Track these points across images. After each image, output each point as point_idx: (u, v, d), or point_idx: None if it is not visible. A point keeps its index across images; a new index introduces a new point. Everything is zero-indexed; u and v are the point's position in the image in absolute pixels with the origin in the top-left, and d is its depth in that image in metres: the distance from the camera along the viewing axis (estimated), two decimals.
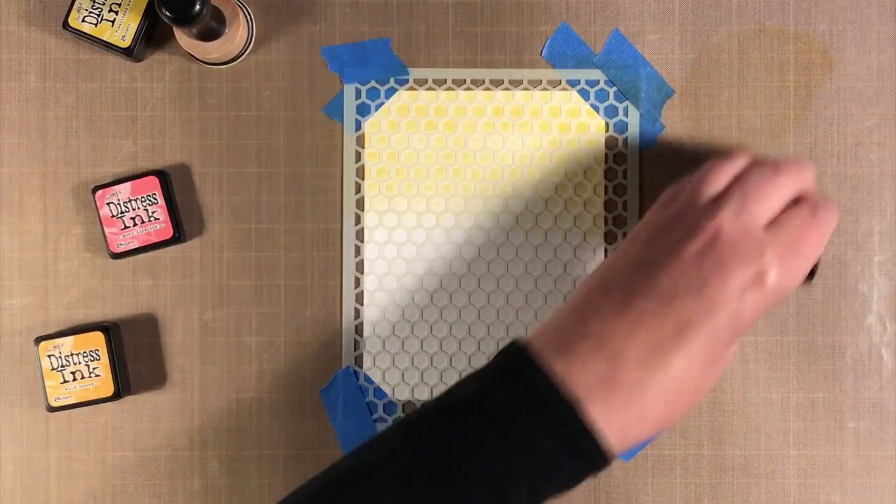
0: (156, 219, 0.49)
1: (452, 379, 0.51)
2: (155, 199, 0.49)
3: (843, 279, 0.51)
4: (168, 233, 0.49)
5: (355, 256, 0.51)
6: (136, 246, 0.49)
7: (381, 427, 0.50)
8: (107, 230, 0.49)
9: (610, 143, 0.51)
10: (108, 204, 0.49)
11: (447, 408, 0.39)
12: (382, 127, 0.51)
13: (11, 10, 0.51)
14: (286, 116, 0.51)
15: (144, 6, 0.49)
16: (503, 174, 0.51)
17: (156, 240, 0.49)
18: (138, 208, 0.49)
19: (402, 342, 0.51)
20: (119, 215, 0.49)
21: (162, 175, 0.49)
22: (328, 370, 0.51)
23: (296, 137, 0.51)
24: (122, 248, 0.49)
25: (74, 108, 0.51)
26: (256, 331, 0.51)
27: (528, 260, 0.51)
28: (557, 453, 0.37)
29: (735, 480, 0.51)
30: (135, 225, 0.49)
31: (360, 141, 0.51)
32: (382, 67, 0.51)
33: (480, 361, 0.51)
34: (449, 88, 0.51)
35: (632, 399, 0.38)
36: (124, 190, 0.49)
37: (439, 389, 0.51)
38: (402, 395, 0.51)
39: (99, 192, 0.49)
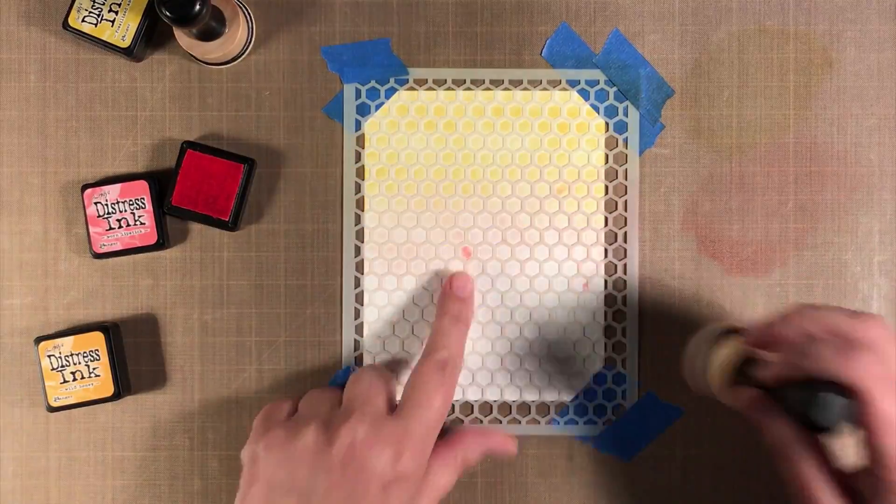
0: (141, 223, 0.49)
1: None
2: (143, 203, 0.49)
3: (843, 279, 0.51)
4: (152, 238, 0.49)
5: (355, 256, 0.51)
6: (118, 248, 0.49)
7: None
8: (91, 229, 0.49)
9: (610, 143, 0.51)
10: (95, 203, 0.49)
11: None
12: (382, 127, 0.51)
13: (11, 10, 0.51)
14: (286, 116, 0.51)
15: (144, 6, 0.49)
16: (503, 174, 0.51)
17: (139, 244, 0.49)
18: (125, 211, 0.49)
19: (402, 342, 0.51)
20: (105, 216, 0.49)
21: (153, 179, 0.49)
22: (328, 370, 0.51)
23: (296, 137, 0.51)
24: (104, 249, 0.49)
25: (74, 108, 0.51)
26: (256, 331, 0.51)
27: (525, 260, 0.51)
28: None
29: (735, 480, 0.51)
30: (120, 227, 0.49)
31: (360, 141, 0.51)
32: (382, 67, 0.51)
33: (477, 361, 0.51)
34: (449, 88, 0.51)
35: None
36: (113, 191, 0.49)
37: None
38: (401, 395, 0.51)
39: (88, 191, 0.49)
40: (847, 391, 0.37)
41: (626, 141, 0.51)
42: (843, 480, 0.39)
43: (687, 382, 0.46)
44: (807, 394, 0.37)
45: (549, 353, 0.51)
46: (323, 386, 0.50)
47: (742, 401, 0.42)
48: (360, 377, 0.46)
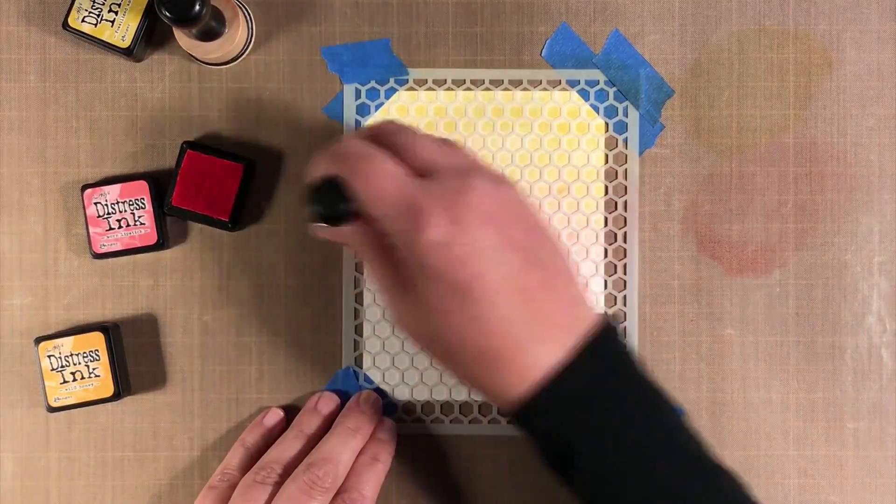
0: (141, 223, 0.49)
1: (451, 380, 0.51)
2: (143, 203, 0.49)
3: (843, 279, 0.51)
4: (152, 238, 0.49)
5: (355, 257, 0.51)
6: (118, 248, 0.49)
7: None
8: (91, 230, 0.49)
9: (610, 143, 0.51)
10: (95, 203, 0.49)
11: None
12: None
13: (11, 10, 0.51)
14: (286, 116, 0.51)
15: (144, 6, 0.49)
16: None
17: (139, 244, 0.49)
18: (125, 211, 0.49)
19: (402, 342, 0.51)
20: (105, 216, 0.49)
21: (153, 180, 0.49)
22: (328, 370, 0.51)
23: (296, 137, 0.51)
24: (104, 249, 0.49)
25: (74, 108, 0.51)
26: (256, 331, 0.51)
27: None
28: None
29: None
30: (120, 227, 0.49)
31: None
32: (382, 67, 0.51)
33: None
34: (449, 89, 0.51)
35: None
36: (113, 191, 0.49)
37: (439, 390, 0.51)
38: (401, 395, 0.51)
39: (88, 191, 0.49)
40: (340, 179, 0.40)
41: (625, 141, 0.51)
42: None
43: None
44: (310, 194, 0.41)
45: None
46: (324, 385, 0.51)
47: (314, 233, 0.45)
48: (331, 438, 0.47)
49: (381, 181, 0.39)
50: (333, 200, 0.40)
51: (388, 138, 0.41)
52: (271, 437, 0.49)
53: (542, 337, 0.38)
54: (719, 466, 0.40)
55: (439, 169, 0.40)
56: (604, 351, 0.40)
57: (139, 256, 0.50)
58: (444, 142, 0.42)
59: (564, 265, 0.41)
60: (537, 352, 0.38)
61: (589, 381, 0.39)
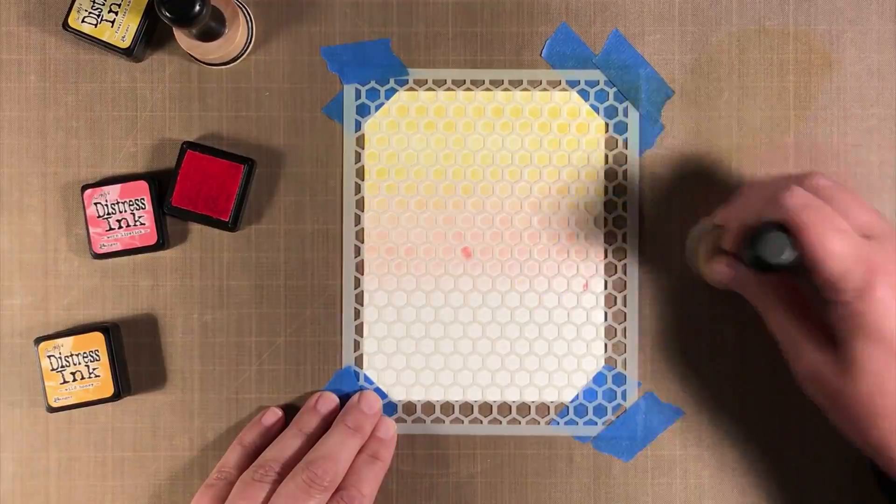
0: (141, 224, 0.49)
1: (448, 379, 0.51)
2: (143, 203, 0.49)
3: None
4: (152, 238, 0.49)
5: (355, 257, 0.51)
6: (118, 248, 0.49)
7: None
8: (91, 230, 0.49)
9: (610, 144, 0.51)
10: (95, 204, 0.49)
11: None
12: (382, 127, 0.51)
13: (11, 11, 0.51)
14: (286, 116, 0.51)
15: (144, 6, 0.49)
16: (503, 174, 0.51)
17: (139, 244, 0.49)
18: (125, 211, 0.49)
19: (402, 343, 0.51)
20: (105, 216, 0.49)
21: (153, 180, 0.49)
22: (328, 370, 0.51)
23: (296, 137, 0.51)
24: (104, 250, 0.49)
25: (74, 108, 0.51)
26: (256, 331, 0.51)
27: (525, 261, 0.51)
28: None
29: (736, 480, 0.51)
30: (120, 227, 0.49)
31: (360, 141, 0.51)
32: (382, 68, 0.51)
33: (476, 362, 0.51)
34: (449, 89, 0.51)
35: None
36: (113, 192, 0.49)
37: (438, 390, 0.51)
38: (401, 395, 0.51)
39: (88, 192, 0.49)
40: (786, 227, 0.40)
41: (626, 141, 0.51)
42: (821, 319, 0.41)
43: (693, 272, 0.50)
44: (749, 238, 0.40)
45: (548, 353, 0.51)
46: (324, 385, 0.51)
47: (719, 271, 0.45)
48: (330, 436, 0.47)
49: (838, 238, 0.39)
50: (779, 249, 0.39)
51: (830, 193, 0.41)
52: (269, 437, 0.49)
53: None
54: None
55: (881, 233, 0.40)
56: None
57: (139, 256, 0.50)
58: (871, 206, 0.43)
59: None
60: None
61: None
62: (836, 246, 0.39)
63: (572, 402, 0.51)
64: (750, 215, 0.42)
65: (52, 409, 0.49)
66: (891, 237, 0.40)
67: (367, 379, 0.51)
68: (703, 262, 0.47)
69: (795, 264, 0.40)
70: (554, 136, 0.51)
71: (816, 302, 0.42)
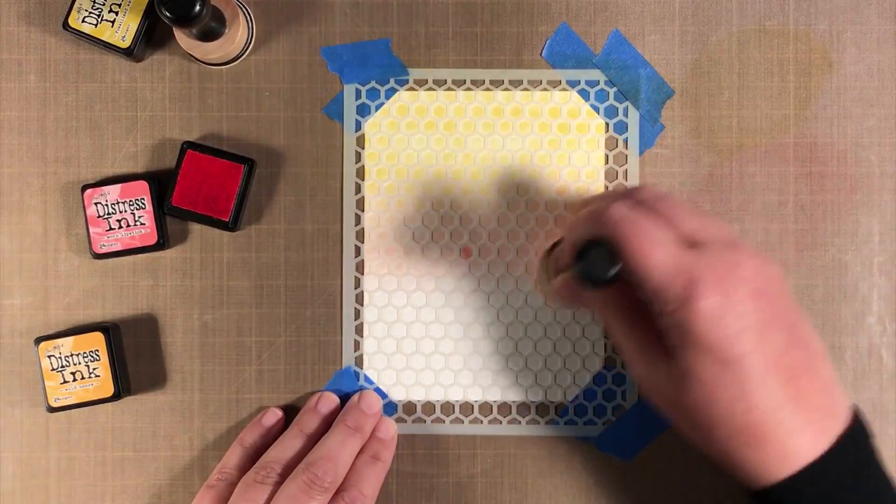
0: (141, 223, 0.49)
1: (448, 380, 0.51)
2: (143, 203, 0.49)
3: (843, 279, 0.51)
4: (152, 238, 0.49)
5: (355, 256, 0.51)
6: (118, 248, 0.49)
7: None
8: (91, 230, 0.49)
9: (610, 144, 0.51)
10: (95, 204, 0.49)
11: None
12: (382, 127, 0.51)
13: (11, 10, 0.51)
14: (286, 116, 0.51)
15: (144, 6, 0.49)
16: (503, 175, 0.51)
17: (139, 244, 0.49)
18: (125, 211, 0.49)
19: (402, 343, 0.51)
20: (105, 216, 0.49)
21: (153, 180, 0.49)
22: (328, 370, 0.51)
23: (296, 137, 0.51)
24: (104, 250, 0.49)
25: (74, 108, 0.51)
26: (256, 331, 0.51)
27: (527, 261, 0.51)
28: None
29: (735, 480, 0.50)
30: (120, 227, 0.49)
31: (360, 141, 0.51)
32: (382, 68, 0.51)
33: (477, 362, 0.51)
34: (449, 89, 0.51)
35: None
36: (113, 192, 0.49)
37: (438, 390, 0.51)
38: (401, 395, 0.51)
39: (88, 192, 0.49)
40: (609, 242, 0.40)
41: (626, 141, 0.51)
42: (658, 331, 0.41)
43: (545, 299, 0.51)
44: (576, 254, 0.40)
45: (550, 353, 0.51)
46: (324, 385, 0.51)
47: (557, 289, 0.45)
48: (330, 437, 0.47)
49: (655, 248, 0.39)
50: (602, 263, 0.39)
51: (651, 205, 0.41)
52: (269, 437, 0.49)
53: (805, 420, 0.39)
54: None
55: (707, 240, 0.40)
56: (859, 445, 0.40)
57: (139, 256, 0.50)
58: (704, 213, 0.42)
59: (821, 345, 0.41)
60: (800, 436, 0.39)
61: (845, 475, 0.39)
62: (655, 258, 0.38)
63: (573, 402, 0.51)
64: (579, 232, 0.42)
65: (52, 409, 0.49)
66: (716, 243, 0.40)
67: (367, 379, 0.51)
68: (544, 281, 0.48)
69: (621, 278, 0.40)
70: (554, 136, 0.51)
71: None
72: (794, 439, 0.39)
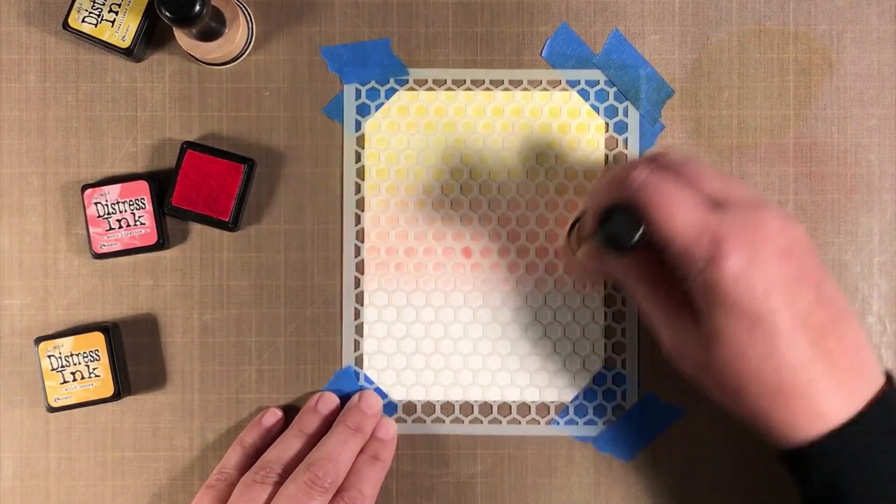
0: (141, 223, 0.49)
1: (449, 379, 0.51)
2: (143, 203, 0.49)
3: (843, 279, 0.51)
4: (152, 238, 0.49)
5: (355, 256, 0.51)
6: (118, 248, 0.49)
7: None
8: (91, 230, 0.49)
9: (610, 144, 0.51)
10: (95, 204, 0.49)
11: None
12: (382, 127, 0.51)
13: (11, 10, 0.51)
14: (286, 116, 0.51)
15: (144, 6, 0.49)
16: (503, 174, 0.51)
17: (139, 244, 0.49)
18: (125, 211, 0.49)
19: (402, 343, 0.51)
20: (105, 216, 0.49)
21: (153, 180, 0.49)
22: (328, 370, 0.51)
23: (296, 137, 0.51)
24: (104, 250, 0.49)
25: (74, 108, 0.51)
26: (256, 331, 0.51)
27: (527, 261, 0.51)
28: None
29: (737, 481, 0.51)
30: (120, 227, 0.49)
31: (360, 141, 0.51)
32: (382, 68, 0.51)
33: (477, 362, 0.51)
34: (449, 89, 0.51)
35: None
36: (113, 191, 0.49)
37: (438, 390, 0.51)
38: (401, 395, 0.51)
39: (88, 191, 0.49)
40: (633, 206, 0.40)
41: (626, 141, 0.51)
42: (685, 294, 0.41)
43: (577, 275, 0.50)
44: (600, 220, 0.40)
45: (550, 353, 0.51)
46: (324, 385, 0.51)
47: (583, 260, 0.44)
48: (330, 437, 0.47)
49: (679, 210, 0.39)
50: (626, 228, 0.39)
51: (674, 168, 0.41)
52: (269, 437, 0.49)
53: (836, 380, 0.39)
54: None
55: (731, 201, 0.40)
56: (891, 405, 0.40)
57: (139, 256, 0.50)
58: (727, 175, 0.42)
59: (848, 305, 0.41)
60: (829, 396, 0.39)
61: (876, 435, 0.39)
62: (679, 219, 0.38)
63: (572, 402, 0.51)
64: (601, 199, 0.42)
65: (52, 409, 0.49)
66: (740, 203, 0.40)
67: (367, 379, 0.51)
68: (572, 257, 0.47)
69: (647, 242, 0.40)
70: (554, 136, 0.51)
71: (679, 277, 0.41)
72: (824, 399, 0.39)
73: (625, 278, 0.44)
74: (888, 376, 0.41)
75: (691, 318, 0.40)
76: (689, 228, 0.38)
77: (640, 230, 0.39)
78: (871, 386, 0.40)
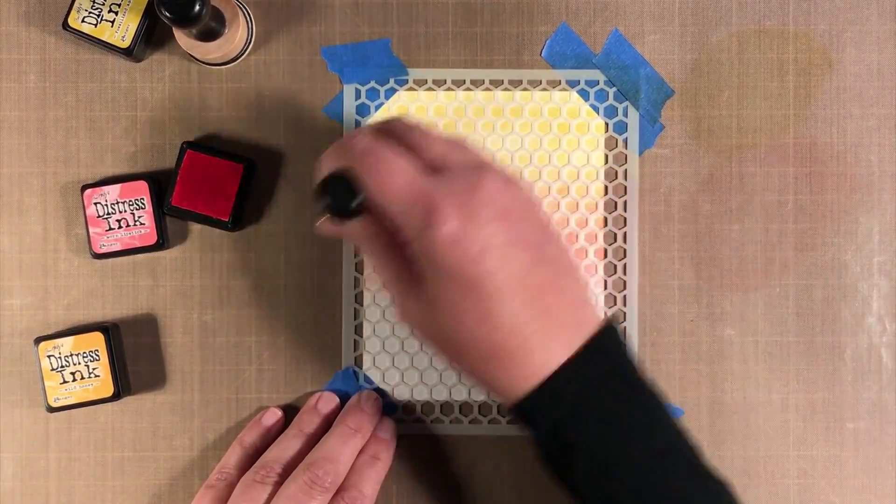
0: (141, 223, 0.49)
1: (451, 380, 0.51)
2: (142, 203, 0.49)
3: (843, 279, 0.51)
4: (152, 238, 0.49)
5: (355, 257, 0.51)
6: (118, 248, 0.49)
7: None
8: (91, 230, 0.49)
9: (609, 144, 0.51)
10: (95, 204, 0.49)
11: None
12: None
13: (11, 10, 0.51)
14: (286, 116, 0.51)
15: (144, 6, 0.49)
16: None
17: (139, 244, 0.49)
18: (125, 211, 0.49)
19: (402, 342, 0.51)
20: (105, 216, 0.49)
21: (153, 180, 0.49)
22: (328, 370, 0.51)
23: (296, 137, 0.51)
24: (104, 250, 0.49)
25: (74, 108, 0.51)
26: (256, 331, 0.51)
27: None
28: None
29: (735, 480, 0.50)
30: (119, 227, 0.49)
31: None
32: (382, 68, 0.51)
33: None
34: (449, 89, 0.51)
35: None
36: (112, 191, 0.49)
37: (438, 390, 0.51)
38: (401, 395, 0.51)
39: (87, 192, 0.49)
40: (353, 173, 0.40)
41: (625, 141, 0.51)
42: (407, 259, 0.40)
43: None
44: (321, 187, 0.40)
45: None
46: (324, 385, 0.51)
47: (321, 225, 0.44)
48: (330, 437, 0.47)
49: (394, 177, 0.39)
50: (344, 195, 0.40)
51: (399, 134, 0.41)
52: (269, 437, 0.49)
53: (549, 336, 0.39)
54: (713, 475, 0.41)
55: (451, 166, 0.40)
56: (606, 351, 0.40)
57: (139, 256, 0.50)
58: (455, 139, 0.42)
59: (571, 263, 0.41)
60: (545, 351, 0.39)
61: (591, 381, 0.39)
62: (393, 186, 0.38)
63: None
64: (326, 165, 0.41)
65: (52, 409, 0.49)
66: (458, 167, 0.40)
67: (367, 379, 0.51)
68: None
69: (369, 208, 0.40)
70: (554, 136, 0.51)
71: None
72: (539, 353, 0.39)
73: (359, 243, 0.43)
74: (607, 323, 0.41)
75: (415, 284, 0.40)
76: (403, 195, 0.38)
77: (359, 197, 0.39)
78: (586, 336, 0.40)
